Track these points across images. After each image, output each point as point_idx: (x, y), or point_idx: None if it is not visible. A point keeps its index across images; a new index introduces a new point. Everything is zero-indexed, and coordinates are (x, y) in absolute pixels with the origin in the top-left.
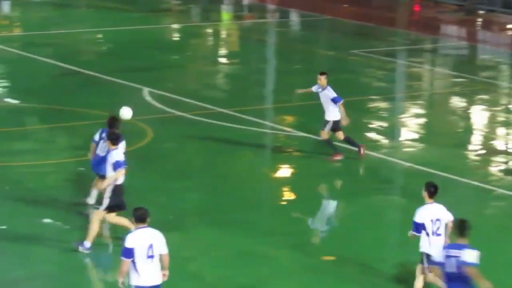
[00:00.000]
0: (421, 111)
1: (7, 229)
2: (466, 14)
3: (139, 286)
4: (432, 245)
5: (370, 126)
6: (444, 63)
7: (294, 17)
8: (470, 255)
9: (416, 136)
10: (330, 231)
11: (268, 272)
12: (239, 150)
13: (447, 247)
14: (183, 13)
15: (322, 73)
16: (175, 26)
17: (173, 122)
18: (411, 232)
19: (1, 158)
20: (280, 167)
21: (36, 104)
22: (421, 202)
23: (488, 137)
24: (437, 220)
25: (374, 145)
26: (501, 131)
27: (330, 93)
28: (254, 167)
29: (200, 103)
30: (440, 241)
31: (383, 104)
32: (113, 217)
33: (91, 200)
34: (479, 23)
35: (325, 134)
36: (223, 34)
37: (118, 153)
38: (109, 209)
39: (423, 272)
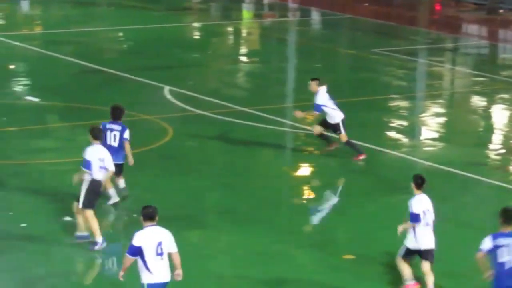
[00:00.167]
0: (441, 110)
1: (28, 227)
2: (487, 13)
3: (152, 284)
4: (420, 236)
5: (391, 125)
6: (465, 62)
7: (315, 16)
8: None
9: (437, 135)
10: (350, 230)
11: (288, 271)
12: (259, 148)
13: (495, 236)
14: (203, 11)
15: (312, 79)
16: (196, 24)
17: (193, 121)
18: (406, 224)
19: (22, 156)
20: (300, 166)
21: (56, 102)
22: (444, 201)
23: (509, 136)
24: (427, 210)
25: (394, 144)
26: None
27: (317, 99)
28: (274, 165)
29: (220, 102)
30: (430, 231)
31: (403, 103)
32: (91, 214)
33: (113, 199)
34: (500, 22)
35: (343, 136)
36: (244, 32)
37: (93, 150)
38: (93, 206)
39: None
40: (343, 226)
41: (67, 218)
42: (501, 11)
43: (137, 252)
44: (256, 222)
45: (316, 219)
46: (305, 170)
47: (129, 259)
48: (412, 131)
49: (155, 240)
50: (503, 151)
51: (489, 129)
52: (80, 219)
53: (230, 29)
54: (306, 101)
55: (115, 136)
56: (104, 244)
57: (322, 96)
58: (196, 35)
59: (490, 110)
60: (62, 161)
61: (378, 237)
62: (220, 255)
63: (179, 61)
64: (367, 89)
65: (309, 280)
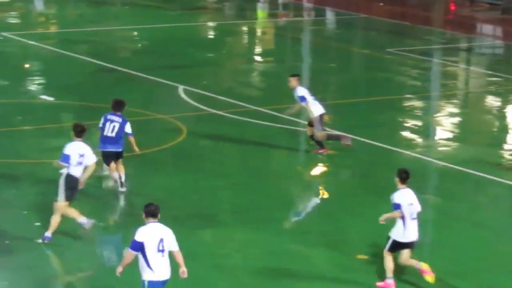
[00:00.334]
0: (456, 110)
1: (42, 226)
2: (502, 13)
3: (153, 281)
4: (407, 229)
5: (405, 124)
6: (479, 62)
7: (329, 16)
8: None
9: (451, 135)
10: (363, 230)
11: (301, 270)
12: (273, 148)
13: None
14: (218, 11)
15: (292, 75)
16: (211, 24)
17: (207, 120)
18: (394, 213)
19: (36, 155)
20: (314, 166)
21: (71, 101)
22: (458, 201)
23: None
24: (411, 204)
25: (408, 144)
26: None
27: (298, 92)
28: (288, 165)
29: (234, 101)
30: (415, 225)
31: (418, 103)
32: (64, 207)
33: (122, 188)
34: None
35: (320, 134)
36: (258, 32)
37: (73, 146)
38: (69, 199)
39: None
40: (356, 226)
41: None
42: None
43: (139, 247)
44: (270, 222)
45: (329, 218)
46: (319, 169)
47: (130, 254)
48: (426, 131)
49: (157, 237)
50: None
51: (504, 129)
52: (71, 213)
53: (244, 28)
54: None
55: (114, 127)
56: (91, 222)
57: (303, 91)
58: (211, 34)
59: (505, 110)
60: None
61: None
62: (234, 254)
63: (194, 61)
64: (381, 89)
65: (322, 280)
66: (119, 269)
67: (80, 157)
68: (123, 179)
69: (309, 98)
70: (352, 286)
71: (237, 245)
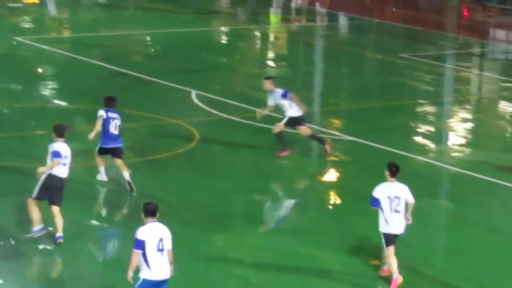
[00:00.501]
0: (469, 115)
1: (52, 229)
2: None
3: (148, 280)
4: (390, 222)
5: (418, 130)
6: (492, 67)
7: (343, 20)
8: None
9: (464, 140)
10: (377, 234)
11: (314, 275)
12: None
13: None
14: (231, 15)
15: (266, 78)
16: (224, 28)
17: (220, 125)
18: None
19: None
20: (327, 171)
21: (84, 105)
22: (472, 206)
23: None
24: (396, 197)
25: (421, 149)
26: None
27: (277, 93)
28: (301, 170)
29: (247, 106)
30: (399, 217)
31: (431, 108)
32: (33, 203)
33: (103, 176)
34: None
35: (278, 127)
36: (271, 37)
37: (59, 145)
38: (41, 197)
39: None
40: (370, 231)
41: (94, 222)
42: None
43: (143, 245)
44: (282, 225)
45: (342, 223)
46: (332, 174)
47: (137, 253)
48: (439, 136)
49: (157, 236)
50: None
51: None
52: (33, 212)
53: (257, 33)
54: (334, 106)
55: (116, 124)
56: (38, 234)
57: (278, 94)
58: (224, 39)
59: None
60: (89, 164)
61: (405, 242)
62: (246, 258)
63: (206, 65)
64: (394, 94)
65: (335, 285)
66: (129, 273)
67: (65, 157)
68: (130, 180)
69: (286, 102)
70: None
71: (248, 249)
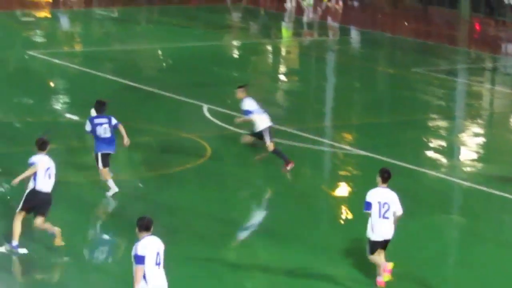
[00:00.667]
0: (481, 130)
1: (66, 245)
2: None
3: None
4: (376, 228)
5: (430, 144)
6: (504, 82)
7: (354, 35)
8: None
9: (476, 155)
10: (389, 250)
11: None
12: (297, 167)
13: None
14: (243, 30)
15: (239, 86)
16: (235, 42)
17: (232, 139)
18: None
19: (62, 173)
20: (339, 185)
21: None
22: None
23: None
24: (385, 203)
25: (433, 164)
26: None
27: (245, 105)
28: (312, 184)
29: None
30: (388, 224)
31: (443, 123)
32: (18, 218)
33: (112, 191)
34: None
35: (270, 145)
36: (283, 51)
37: (38, 157)
38: (26, 211)
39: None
40: None
41: (105, 236)
42: None
43: (144, 260)
44: (294, 241)
45: (354, 238)
46: (344, 189)
47: (141, 269)
48: (451, 151)
49: (154, 250)
50: None
51: None
52: (15, 227)
53: (269, 47)
54: (346, 120)
55: (105, 128)
56: (17, 249)
57: (249, 103)
58: (236, 53)
59: None
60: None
61: (417, 256)
62: (258, 273)
63: (218, 80)
64: (406, 108)
65: None
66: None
67: (47, 169)
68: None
69: (256, 110)
70: None
71: (261, 264)
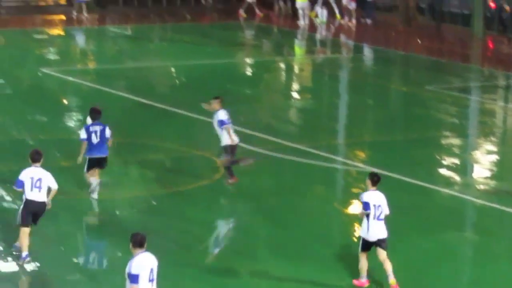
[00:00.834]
0: (494, 148)
1: (79, 262)
2: None
3: None
4: (371, 229)
5: (443, 162)
6: None
7: (367, 52)
8: None
9: (489, 173)
10: (402, 267)
11: None
12: (310, 185)
13: None
14: (256, 47)
15: (215, 97)
16: (248, 60)
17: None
18: (362, 211)
19: (75, 190)
20: (352, 202)
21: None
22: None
23: None
24: (379, 206)
25: (446, 182)
26: None
27: (218, 116)
28: (325, 202)
29: (272, 138)
30: (381, 225)
31: (456, 141)
32: (25, 232)
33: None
34: None
35: (225, 161)
36: (296, 68)
37: (25, 172)
38: (24, 223)
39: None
40: (394, 263)
41: (119, 254)
42: None
43: (138, 278)
44: (307, 258)
45: (368, 255)
46: (356, 206)
47: (135, 287)
48: (464, 168)
49: (148, 267)
50: None
51: None
52: (23, 238)
53: (282, 65)
54: (359, 137)
55: (96, 133)
56: (28, 259)
57: (224, 114)
58: (249, 70)
59: None
60: (114, 197)
61: (430, 274)
62: None
63: (232, 97)
64: (419, 126)
65: None
66: None
67: (37, 181)
68: (97, 187)
69: (228, 124)
70: None
71: (274, 282)
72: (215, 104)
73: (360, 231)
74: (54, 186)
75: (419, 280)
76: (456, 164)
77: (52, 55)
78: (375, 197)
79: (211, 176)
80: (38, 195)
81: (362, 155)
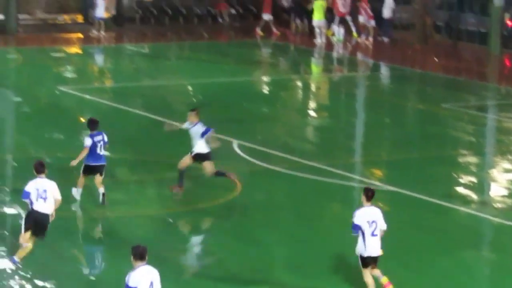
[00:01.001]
0: (511, 166)
1: (96, 280)
2: None
3: None
4: (368, 245)
5: (460, 180)
6: None
7: (384, 70)
8: None
9: (506, 191)
10: (420, 286)
11: None
12: (327, 202)
13: None
14: (273, 65)
15: (192, 110)
16: (265, 78)
17: (262, 175)
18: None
19: (92, 208)
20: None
21: (126, 156)
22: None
23: None
24: (373, 222)
25: (463, 200)
26: None
27: (200, 128)
28: (342, 220)
29: (289, 156)
30: (377, 240)
31: (473, 159)
32: (24, 237)
33: (77, 195)
34: None
35: (181, 163)
36: (313, 86)
37: (31, 183)
38: (25, 229)
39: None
40: (412, 282)
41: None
42: None
43: None
44: (324, 276)
45: (386, 274)
46: None
47: None
48: (481, 187)
49: (148, 280)
50: None
51: None
52: (24, 247)
53: (299, 83)
54: (375, 156)
55: (101, 145)
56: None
57: (200, 127)
58: (265, 89)
59: None
60: (131, 214)
61: None
62: None
63: (248, 115)
64: (436, 144)
65: None
66: None
67: (43, 192)
68: (102, 195)
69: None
70: None
71: None
72: (192, 116)
73: (357, 249)
74: (58, 197)
75: None
76: (473, 182)
77: (69, 73)
78: (370, 213)
79: (227, 193)
80: (43, 206)
81: (378, 173)
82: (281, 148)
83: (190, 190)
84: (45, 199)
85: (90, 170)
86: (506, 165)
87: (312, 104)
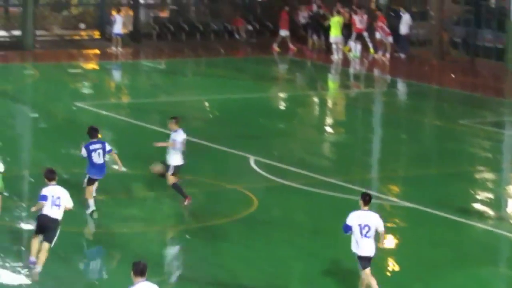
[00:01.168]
0: None
1: None
2: None
3: None
4: (360, 245)
5: (477, 197)
6: None
7: (401, 87)
8: None
9: None
10: None
11: None
12: (344, 219)
13: None
14: (289, 81)
15: (171, 118)
16: (282, 94)
17: (278, 191)
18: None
19: (109, 224)
20: (386, 237)
21: (143, 171)
22: None
23: None
24: (366, 225)
25: (480, 216)
26: None
27: (175, 135)
28: None
29: (305, 172)
30: (369, 242)
31: (490, 175)
32: (34, 239)
33: (90, 208)
34: None
35: (171, 179)
36: (330, 102)
37: (48, 189)
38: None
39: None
40: None
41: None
42: None
43: None
44: None
45: None
46: (390, 241)
47: None
48: (498, 203)
49: None
50: None
51: None
52: (33, 246)
53: (316, 99)
54: (392, 172)
55: (99, 153)
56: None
57: (180, 135)
58: (282, 105)
59: None
60: (147, 230)
61: None
62: None
63: (265, 131)
64: (453, 161)
65: None
66: None
67: (57, 199)
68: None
69: (182, 144)
70: None
71: None
72: (171, 124)
73: (352, 246)
74: (69, 205)
75: None
76: (489, 198)
77: (86, 89)
78: (363, 217)
79: (244, 209)
80: (55, 212)
81: (395, 189)
82: (297, 164)
83: (206, 206)
84: (58, 206)
85: (92, 182)
86: None
87: (328, 120)
